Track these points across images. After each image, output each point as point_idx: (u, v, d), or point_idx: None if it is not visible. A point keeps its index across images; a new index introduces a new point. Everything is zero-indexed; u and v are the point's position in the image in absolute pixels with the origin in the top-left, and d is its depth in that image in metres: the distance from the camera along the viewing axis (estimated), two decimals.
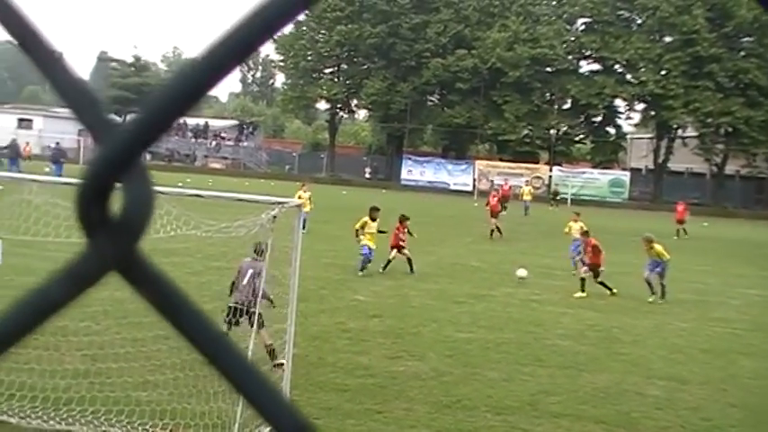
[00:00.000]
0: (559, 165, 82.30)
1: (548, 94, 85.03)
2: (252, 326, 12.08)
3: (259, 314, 12.04)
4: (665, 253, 21.30)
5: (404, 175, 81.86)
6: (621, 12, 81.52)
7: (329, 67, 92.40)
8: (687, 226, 44.33)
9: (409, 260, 23.47)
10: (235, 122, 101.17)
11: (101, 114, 0.74)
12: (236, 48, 0.70)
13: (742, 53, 77.67)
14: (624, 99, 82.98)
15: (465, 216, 41.97)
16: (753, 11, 68.27)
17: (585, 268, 21.99)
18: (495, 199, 36.49)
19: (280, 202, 10.34)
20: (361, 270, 22.56)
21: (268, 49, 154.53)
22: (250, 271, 12.99)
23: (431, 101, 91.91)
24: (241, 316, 12.26)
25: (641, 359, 15.28)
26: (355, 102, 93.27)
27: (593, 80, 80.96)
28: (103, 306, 12.95)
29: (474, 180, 77.72)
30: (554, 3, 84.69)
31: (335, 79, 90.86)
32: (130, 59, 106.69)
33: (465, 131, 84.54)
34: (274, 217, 10.22)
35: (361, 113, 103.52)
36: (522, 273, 23.58)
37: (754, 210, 75.11)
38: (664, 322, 19.04)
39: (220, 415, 9.75)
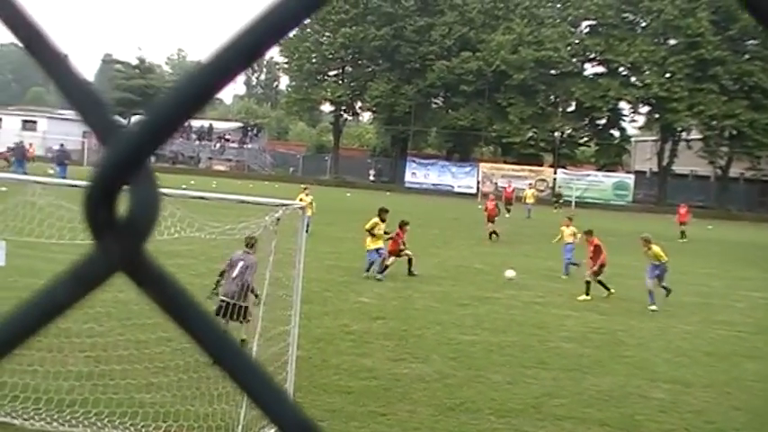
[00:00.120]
0: (563, 167, 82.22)
1: (552, 97, 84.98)
2: (238, 319, 12.07)
3: (246, 308, 12.08)
4: (663, 254, 21.16)
5: (408, 177, 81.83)
6: (626, 14, 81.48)
7: (333, 70, 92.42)
8: (689, 229, 44.24)
9: (410, 261, 23.34)
10: (239, 124, 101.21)
11: (106, 116, 0.74)
12: (242, 52, 0.70)
13: (746, 56, 77.56)
14: (628, 102, 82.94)
15: (469, 218, 41.96)
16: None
17: (590, 272, 21.93)
18: (493, 203, 36.46)
19: (284, 205, 10.35)
20: (381, 272, 22.50)
21: (273, 52, 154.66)
22: (240, 263, 13.03)
23: (435, 103, 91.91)
24: (233, 311, 12.28)
25: (645, 362, 15.26)
26: (359, 104, 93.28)
27: (598, 83, 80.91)
28: (107, 308, 12.98)
29: (478, 182, 77.69)
30: (558, 5, 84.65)
31: (340, 81, 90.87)
32: (135, 61, 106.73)
33: (469, 134, 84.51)
34: (278, 219, 10.22)
35: (366, 116, 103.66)
36: (509, 274, 23.54)
37: (759, 212, 75.01)
38: (668, 325, 19.01)
39: (224, 417, 9.76)
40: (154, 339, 12.12)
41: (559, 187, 73.98)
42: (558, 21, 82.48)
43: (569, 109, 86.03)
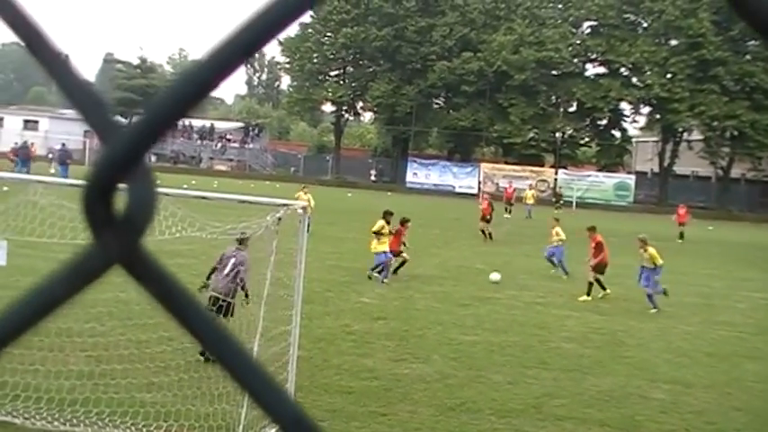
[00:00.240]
0: (565, 168, 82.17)
1: (553, 98, 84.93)
2: (225, 316, 12.04)
3: (233, 305, 12.07)
4: (658, 257, 21.02)
5: (409, 177, 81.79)
6: (627, 15, 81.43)
7: (335, 70, 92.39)
8: (688, 230, 44.19)
9: (403, 263, 23.23)
10: (240, 124, 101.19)
11: (106, 116, 0.75)
12: (237, 49, 0.70)
13: (748, 57, 77.47)
14: (630, 102, 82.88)
15: (470, 219, 41.80)
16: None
17: (593, 273, 21.91)
18: (486, 203, 36.41)
19: (285, 205, 10.36)
20: (394, 273, 22.47)
21: (274, 52, 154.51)
22: (232, 260, 12.99)
23: (436, 103, 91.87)
24: (220, 307, 12.27)
25: (646, 362, 15.27)
26: (361, 104, 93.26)
27: (599, 83, 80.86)
28: (108, 307, 12.98)
29: (479, 183, 77.61)
30: (560, 6, 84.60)
31: (341, 82, 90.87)
32: (136, 61, 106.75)
33: (470, 134, 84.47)
34: (279, 219, 10.23)
35: (367, 116, 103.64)
36: (495, 276, 23.50)
37: (760, 213, 74.93)
38: (668, 325, 19.02)
39: (225, 417, 9.77)
40: (155, 339, 12.13)
41: (560, 188, 73.89)
42: (560, 21, 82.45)
43: (570, 109, 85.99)
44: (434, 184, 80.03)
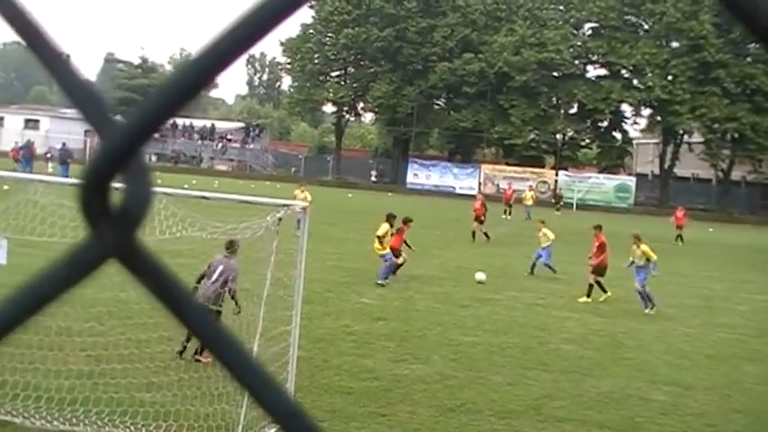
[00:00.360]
0: (565, 169, 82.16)
1: (554, 99, 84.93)
2: None
3: (220, 312, 12.03)
4: (652, 253, 20.89)
5: (410, 178, 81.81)
6: (628, 17, 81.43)
7: (336, 70, 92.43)
8: (686, 233, 44.14)
9: (401, 264, 23.16)
10: (241, 125, 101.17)
11: (103, 111, 0.75)
12: (234, 44, 0.70)
13: (749, 59, 77.46)
14: (630, 104, 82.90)
15: (470, 220, 41.80)
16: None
17: (593, 276, 21.88)
18: (480, 203, 36.36)
19: (285, 205, 10.36)
20: (393, 274, 22.49)
21: (275, 52, 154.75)
22: (220, 267, 12.94)
23: (437, 104, 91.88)
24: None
25: (646, 364, 15.26)
26: (362, 105, 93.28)
27: (600, 85, 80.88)
28: (108, 307, 12.99)
29: (480, 184, 77.59)
30: (561, 7, 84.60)
31: (342, 82, 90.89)
32: (137, 61, 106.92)
33: (471, 135, 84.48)
34: (280, 219, 10.23)
35: (368, 117, 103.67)
36: (480, 276, 23.48)
37: (760, 216, 74.89)
38: (669, 327, 19.01)
39: (224, 417, 9.76)
40: (155, 338, 12.14)
41: (560, 189, 73.89)
42: (561, 23, 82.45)
43: (571, 111, 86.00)
44: (435, 185, 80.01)
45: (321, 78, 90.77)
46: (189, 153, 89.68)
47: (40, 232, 10.40)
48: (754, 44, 76.22)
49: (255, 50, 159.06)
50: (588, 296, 21.57)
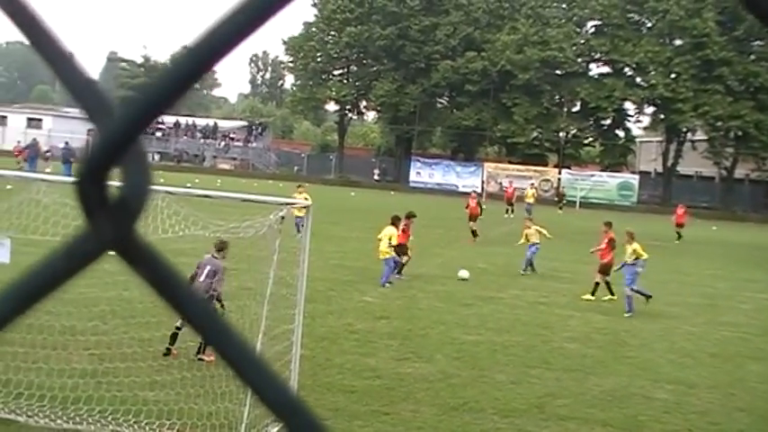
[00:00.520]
0: (568, 167, 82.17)
1: (557, 97, 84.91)
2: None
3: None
4: (642, 252, 20.70)
5: (412, 176, 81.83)
6: (631, 15, 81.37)
7: (338, 69, 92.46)
8: (693, 230, 44.14)
9: (404, 263, 23.07)
10: (244, 123, 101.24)
11: (101, 99, 0.75)
12: (231, 31, 0.70)
13: (752, 57, 77.44)
14: (634, 102, 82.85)
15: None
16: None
17: (600, 275, 21.80)
18: (475, 201, 36.29)
19: (288, 203, 10.36)
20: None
21: (278, 50, 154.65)
22: (207, 267, 12.90)
23: (440, 103, 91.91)
24: None
25: (649, 363, 15.25)
26: (364, 103, 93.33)
27: (603, 83, 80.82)
28: (111, 306, 13.01)
29: (483, 182, 77.55)
30: (564, 5, 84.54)
31: (345, 81, 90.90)
32: (140, 60, 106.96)
33: (474, 133, 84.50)
34: (282, 218, 10.23)
35: (370, 115, 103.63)
36: (463, 274, 23.43)
37: (764, 214, 74.84)
38: (672, 326, 18.99)
39: (227, 415, 9.77)
40: (158, 337, 12.16)
41: (563, 187, 73.86)
42: (564, 21, 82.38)
43: (574, 109, 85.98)
44: (438, 184, 79.98)
45: (324, 77, 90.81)
46: (192, 152, 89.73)
47: (42, 231, 10.40)
48: (757, 41, 76.26)
49: (258, 49, 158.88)
50: (593, 294, 21.53)
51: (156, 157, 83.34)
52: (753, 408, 12.74)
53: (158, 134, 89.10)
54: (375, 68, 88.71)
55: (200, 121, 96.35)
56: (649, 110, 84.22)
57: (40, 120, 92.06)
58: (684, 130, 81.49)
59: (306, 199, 28.15)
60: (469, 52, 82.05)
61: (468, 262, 27.10)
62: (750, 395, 13.45)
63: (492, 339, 16.11)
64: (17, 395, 10.01)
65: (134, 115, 0.72)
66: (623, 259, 20.85)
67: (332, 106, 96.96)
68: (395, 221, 22.68)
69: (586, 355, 15.41)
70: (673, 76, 77.73)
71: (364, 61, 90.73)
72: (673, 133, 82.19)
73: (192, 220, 10.67)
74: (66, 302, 11.24)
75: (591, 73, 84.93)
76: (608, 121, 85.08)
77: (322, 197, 33.23)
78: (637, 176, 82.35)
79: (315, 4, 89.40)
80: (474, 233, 34.80)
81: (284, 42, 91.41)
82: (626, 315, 19.73)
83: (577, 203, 70.44)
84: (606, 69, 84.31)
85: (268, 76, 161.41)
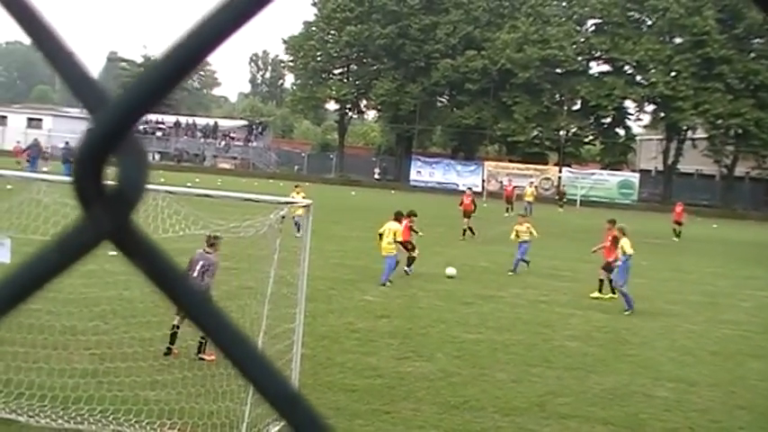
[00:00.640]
0: (569, 166, 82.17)
1: (557, 96, 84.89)
2: (180, 314, 11.89)
3: None
4: (629, 248, 20.58)
5: (413, 175, 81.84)
6: (632, 13, 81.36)
7: (339, 68, 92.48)
8: (693, 228, 44.14)
9: (415, 257, 23.14)
10: (244, 123, 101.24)
11: (96, 88, 0.75)
12: (228, 18, 0.70)
13: (752, 55, 77.45)
14: (634, 100, 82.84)
15: (473, 217, 41.87)
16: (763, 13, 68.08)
17: (604, 273, 21.77)
18: (469, 199, 36.26)
19: (288, 203, 10.36)
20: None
21: (278, 50, 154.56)
22: (200, 263, 12.86)
23: (440, 101, 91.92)
24: None
25: (650, 361, 15.25)
26: (364, 102, 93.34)
27: (603, 81, 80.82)
28: (112, 305, 13.02)
29: (483, 181, 77.59)
30: (564, 4, 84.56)
31: (345, 80, 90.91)
32: (140, 59, 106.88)
33: (474, 132, 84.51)
34: (283, 217, 10.23)
35: (371, 114, 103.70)
36: (450, 271, 23.43)
37: (764, 211, 74.85)
38: (673, 324, 18.99)
39: (228, 414, 9.77)
40: (159, 337, 12.16)
41: (564, 186, 73.87)
42: (564, 19, 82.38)
43: (574, 107, 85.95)
44: (438, 183, 79.97)
45: (324, 76, 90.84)
46: (192, 151, 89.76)
47: (43, 231, 10.40)
48: (757, 39, 76.29)
49: (258, 48, 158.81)
50: (600, 291, 21.55)
51: (157, 156, 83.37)
52: (753, 405, 12.74)
53: (159, 134, 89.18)
54: (375, 67, 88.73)
55: (201, 121, 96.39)
56: (649, 108, 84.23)
57: (40, 120, 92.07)
58: (685, 128, 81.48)
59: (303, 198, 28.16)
60: (469, 51, 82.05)
61: (469, 260, 27.13)
62: (751, 393, 13.45)
63: (493, 338, 16.12)
64: (18, 395, 10.01)
65: (128, 104, 0.72)
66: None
67: (332, 105, 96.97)
68: (398, 217, 22.72)
69: (587, 354, 15.41)
70: (673, 74, 77.73)
71: (364, 60, 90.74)
72: (673, 131, 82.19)
73: (193, 220, 10.67)
74: (66, 302, 11.25)
75: (591, 71, 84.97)
76: (608, 120, 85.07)
77: (322, 196, 33.20)
78: (637, 175, 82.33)
79: (315, 4, 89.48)
80: (469, 231, 34.64)
81: (284, 41, 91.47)
82: (626, 313, 19.72)
83: (578, 202, 70.44)
84: (606, 68, 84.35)
85: (268, 75, 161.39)
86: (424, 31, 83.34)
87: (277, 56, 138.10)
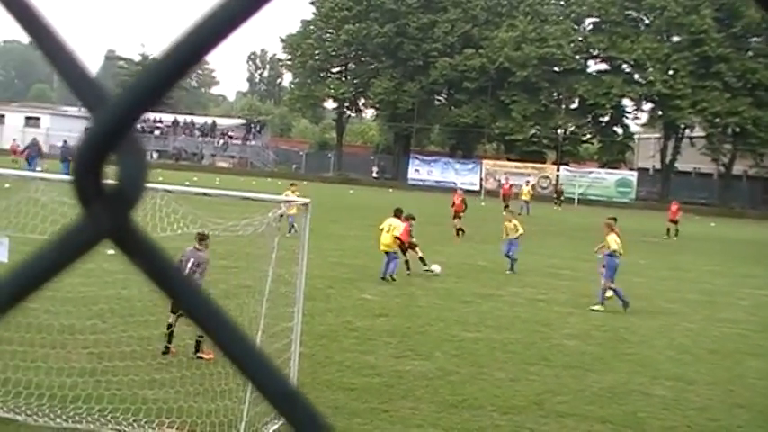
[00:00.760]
0: (566, 164, 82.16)
1: (555, 94, 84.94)
2: (175, 313, 11.84)
3: None
4: (614, 244, 20.20)
5: (411, 174, 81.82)
6: (629, 11, 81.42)
7: (337, 67, 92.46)
8: (690, 227, 44.09)
9: (408, 262, 23.09)
10: (242, 121, 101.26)
11: (96, 88, 0.75)
12: (226, 17, 0.70)
13: (750, 53, 77.52)
14: (632, 99, 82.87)
15: (472, 216, 41.93)
16: (761, 11, 68.20)
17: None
18: (460, 199, 36.14)
19: (286, 201, 10.36)
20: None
21: (276, 48, 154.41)
22: (191, 260, 12.83)
23: (438, 100, 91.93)
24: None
25: (648, 359, 15.25)
26: (363, 101, 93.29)
27: (601, 80, 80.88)
28: (110, 304, 13.01)
29: (481, 180, 77.59)
30: (562, 2, 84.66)
31: (343, 78, 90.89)
32: (138, 58, 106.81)
33: (472, 131, 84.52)
34: (281, 216, 10.23)
35: (369, 113, 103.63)
36: (435, 268, 23.42)
37: (762, 210, 74.91)
38: (671, 322, 19.00)
39: (227, 413, 9.77)
40: (157, 335, 12.16)
41: (561, 184, 73.90)
42: (562, 18, 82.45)
43: (572, 106, 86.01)
44: (436, 181, 79.92)
45: (322, 75, 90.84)
46: (190, 150, 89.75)
47: (41, 230, 10.39)
48: (755, 38, 76.33)
49: (256, 47, 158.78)
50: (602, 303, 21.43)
51: (155, 155, 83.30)
52: (752, 404, 12.75)
53: (157, 132, 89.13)
54: (373, 66, 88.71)
55: (199, 120, 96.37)
56: (647, 106, 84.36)
57: (38, 118, 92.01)
58: (682, 126, 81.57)
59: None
60: (468, 49, 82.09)
61: (468, 259, 27.16)
62: (749, 391, 13.45)
63: (491, 336, 16.12)
64: (16, 394, 10.01)
65: (128, 103, 0.72)
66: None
67: (330, 104, 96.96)
68: (398, 214, 22.77)
69: (585, 352, 15.41)
70: (671, 72, 77.80)
71: (362, 59, 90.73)
72: (671, 130, 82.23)
73: (191, 219, 10.66)
74: (64, 301, 11.24)
75: (589, 70, 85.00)
76: (606, 118, 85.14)
77: (320, 195, 33.19)
78: (635, 173, 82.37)
79: (313, 2, 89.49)
80: (462, 231, 34.42)
81: (282, 40, 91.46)
82: (624, 310, 19.72)
83: (576, 200, 70.49)
84: (604, 66, 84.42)
85: (266, 74, 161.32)
86: (422, 29, 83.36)
87: (275, 54, 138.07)
